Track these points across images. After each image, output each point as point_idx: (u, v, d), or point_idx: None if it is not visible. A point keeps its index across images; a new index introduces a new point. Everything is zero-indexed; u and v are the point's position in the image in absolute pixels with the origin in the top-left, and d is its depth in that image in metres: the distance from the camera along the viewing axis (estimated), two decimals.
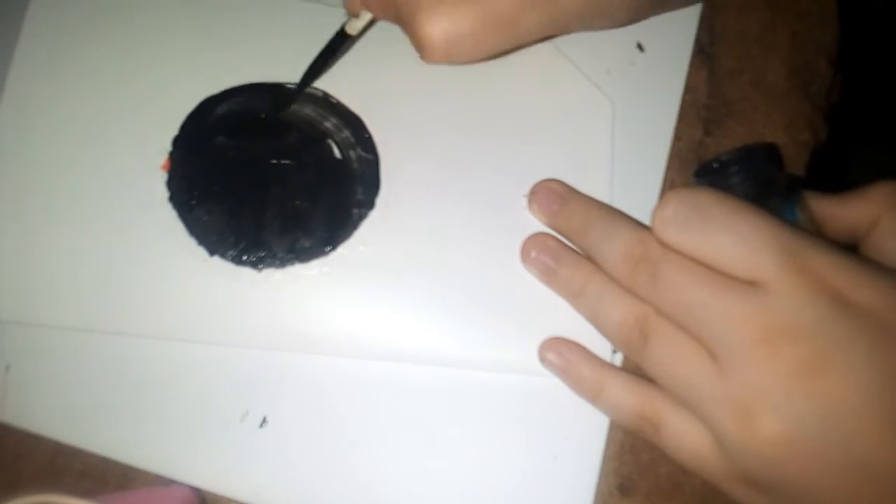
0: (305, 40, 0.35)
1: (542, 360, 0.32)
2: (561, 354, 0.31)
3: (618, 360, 0.32)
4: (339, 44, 0.34)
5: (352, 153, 0.35)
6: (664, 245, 0.28)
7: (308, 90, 0.35)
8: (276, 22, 0.36)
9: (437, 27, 0.29)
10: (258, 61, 0.36)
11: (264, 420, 0.33)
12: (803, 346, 0.24)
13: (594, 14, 0.31)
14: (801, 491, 0.25)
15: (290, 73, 0.35)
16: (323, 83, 0.35)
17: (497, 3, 0.29)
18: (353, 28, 0.34)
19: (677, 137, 0.35)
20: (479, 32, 0.30)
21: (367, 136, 0.35)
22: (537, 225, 0.34)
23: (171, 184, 0.35)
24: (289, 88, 0.35)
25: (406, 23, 0.30)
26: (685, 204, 0.27)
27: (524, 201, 0.34)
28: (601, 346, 0.32)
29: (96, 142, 0.35)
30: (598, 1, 0.31)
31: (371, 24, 0.34)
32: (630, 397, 0.29)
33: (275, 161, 0.35)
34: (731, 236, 0.26)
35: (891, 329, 0.24)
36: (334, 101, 0.35)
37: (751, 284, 0.25)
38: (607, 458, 0.32)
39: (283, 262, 0.34)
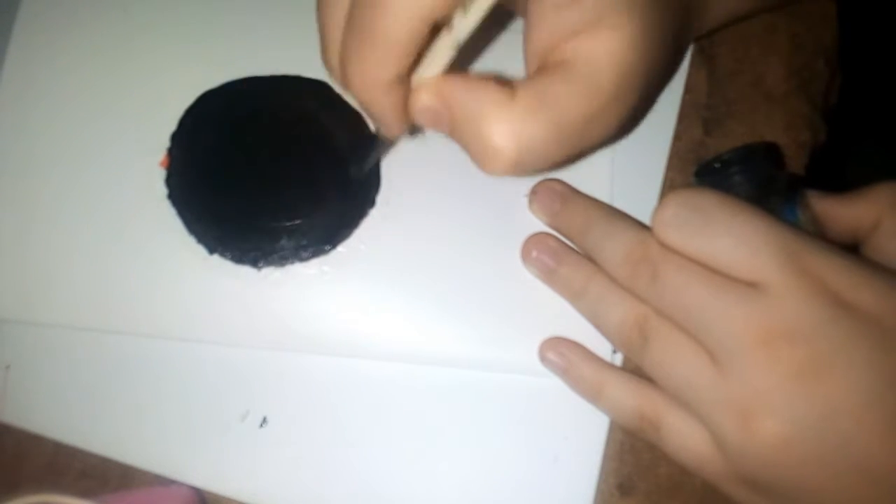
0: (305, 32, 0.35)
1: (543, 359, 0.32)
2: (561, 354, 0.31)
3: (618, 360, 0.32)
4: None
5: (352, 150, 0.34)
6: (664, 246, 0.28)
7: (309, 85, 0.35)
8: (275, 13, 0.36)
9: (510, 134, 0.25)
10: (257, 54, 0.35)
11: (264, 420, 0.33)
12: (803, 348, 0.24)
13: (623, 129, 0.30)
14: (800, 492, 0.25)
15: (289, 65, 0.35)
16: (324, 79, 0.35)
17: (568, 111, 0.26)
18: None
19: (677, 137, 0.35)
20: (552, 140, 0.26)
21: (368, 132, 0.35)
22: (538, 224, 0.34)
23: (170, 181, 0.34)
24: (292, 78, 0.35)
25: (467, 131, 0.27)
26: (685, 206, 0.27)
27: (525, 201, 0.34)
28: (601, 347, 0.32)
29: (94, 138, 0.35)
30: (631, 115, 0.28)
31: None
32: (630, 398, 0.29)
33: (275, 157, 0.34)
34: (732, 238, 0.26)
35: (890, 331, 0.24)
36: (336, 96, 0.35)
37: (751, 286, 0.25)
38: (607, 458, 0.32)
39: (282, 261, 0.33)
